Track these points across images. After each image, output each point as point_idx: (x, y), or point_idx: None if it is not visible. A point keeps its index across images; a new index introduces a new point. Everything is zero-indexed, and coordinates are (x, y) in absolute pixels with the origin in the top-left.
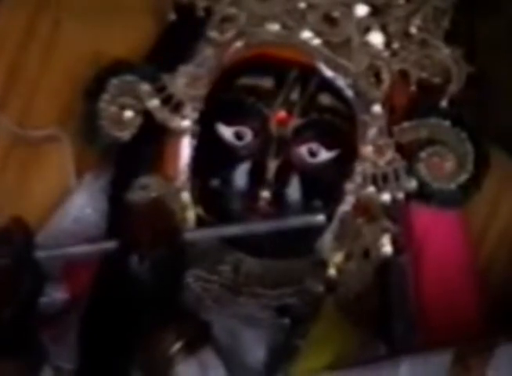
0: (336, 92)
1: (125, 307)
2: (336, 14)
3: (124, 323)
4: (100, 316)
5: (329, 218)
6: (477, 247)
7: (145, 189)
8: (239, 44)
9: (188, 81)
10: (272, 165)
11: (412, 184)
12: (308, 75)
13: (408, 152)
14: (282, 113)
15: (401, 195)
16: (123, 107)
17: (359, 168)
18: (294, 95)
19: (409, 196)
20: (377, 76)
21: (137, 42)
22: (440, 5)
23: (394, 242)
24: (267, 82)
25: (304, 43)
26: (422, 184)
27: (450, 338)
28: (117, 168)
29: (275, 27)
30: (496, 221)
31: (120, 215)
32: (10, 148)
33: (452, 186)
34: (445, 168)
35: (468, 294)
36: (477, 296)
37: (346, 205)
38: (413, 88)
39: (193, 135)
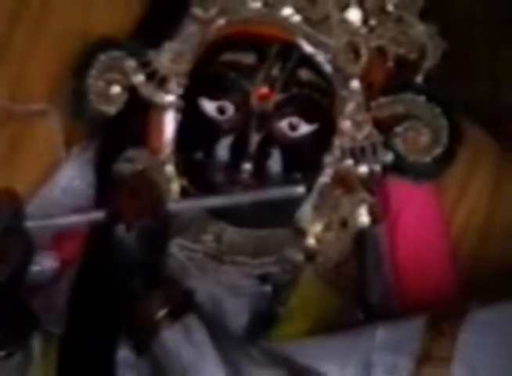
0: (315, 68)
1: (113, 275)
2: None
3: (112, 290)
4: (89, 284)
5: (309, 190)
6: (449, 219)
7: (131, 161)
8: (221, 21)
9: (172, 56)
10: (254, 139)
11: (389, 157)
12: (288, 51)
13: (385, 126)
14: (263, 89)
15: (378, 168)
16: (110, 83)
17: (338, 141)
18: (275, 71)
19: (386, 168)
20: (356, 52)
21: (124, 19)
22: None
23: (371, 213)
24: (249, 58)
25: (285, 20)
26: (398, 157)
27: (424, 304)
28: (104, 142)
29: (256, 4)
30: (468, 195)
31: (107, 187)
32: (2, 121)
33: (427, 159)
34: (420, 142)
35: (441, 263)
36: (449, 265)
37: (325, 177)
38: (390, 64)
39: (177, 110)
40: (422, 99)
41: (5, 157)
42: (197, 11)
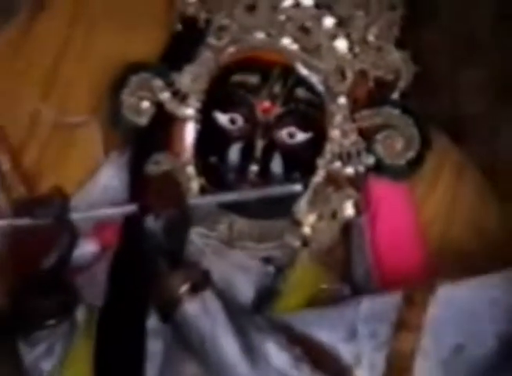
0: (310, 87)
1: (143, 257)
2: (309, 25)
3: (142, 269)
4: (124, 265)
5: (305, 187)
6: (420, 211)
7: (158, 164)
8: (232, 49)
9: (192, 77)
10: (259, 145)
11: (370, 160)
12: (287, 73)
13: (367, 135)
14: (266, 104)
15: (361, 169)
16: (141, 99)
17: (328, 147)
18: (276, 89)
19: (368, 169)
20: (342, 74)
21: (152, 47)
22: (391, 18)
23: (356, 206)
24: (254, 79)
25: (284, 48)
26: (378, 160)
27: (399, 281)
28: (136, 148)
29: (261, 35)
30: (435, 191)
31: (139, 184)
32: (53, 131)
33: (402, 161)
34: (396, 147)
35: (413, 247)
36: (419, 248)
37: (318, 177)
38: (371, 83)
39: (196, 121)
40: (397, 112)
41: (56, 160)
42: (212, 40)
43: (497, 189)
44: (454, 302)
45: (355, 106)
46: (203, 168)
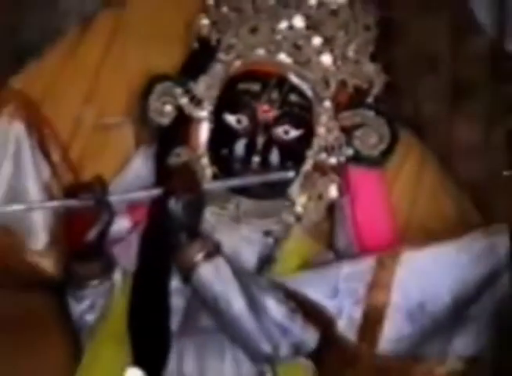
0: (301, 93)
1: (167, 231)
2: (300, 43)
3: (166, 241)
4: (152, 237)
5: (297, 174)
6: (390, 192)
7: (178, 156)
8: (238, 62)
9: (206, 86)
10: (260, 141)
11: (350, 152)
12: (282, 82)
13: (347, 131)
14: (266, 107)
15: (342, 159)
16: (164, 103)
17: (316, 141)
18: (274, 95)
19: (348, 159)
20: (327, 83)
21: (174, 62)
22: (366, 37)
23: (338, 189)
24: (256, 87)
25: (280, 62)
26: (356, 152)
27: (373, 248)
28: (160, 143)
29: (261, 51)
30: (401, 176)
31: (163, 173)
32: (93, 130)
33: (375, 153)
34: (370, 141)
35: (384, 221)
36: (390, 222)
37: (307, 165)
38: (350, 90)
39: (209, 121)
40: (372, 113)
41: (96, 153)
42: (222, 56)
43: (451, 174)
44: (417, 265)
45: (337, 108)
46: (214, 159)
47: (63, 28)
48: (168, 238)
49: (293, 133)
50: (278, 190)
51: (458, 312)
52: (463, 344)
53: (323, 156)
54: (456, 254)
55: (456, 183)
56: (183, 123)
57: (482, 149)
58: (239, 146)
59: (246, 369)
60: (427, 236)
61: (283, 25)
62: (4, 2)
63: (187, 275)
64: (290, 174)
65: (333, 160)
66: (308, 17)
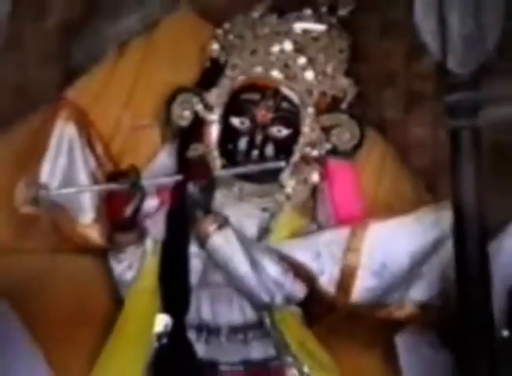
0: (290, 101)
1: (187, 209)
2: (289, 62)
3: (186, 216)
4: (175, 214)
5: (287, 163)
6: (358, 178)
7: (195, 150)
8: (241, 78)
9: (216, 95)
10: (259, 138)
11: (328, 147)
12: (276, 93)
13: (326, 130)
14: (263, 112)
15: (323, 152)
16: (184, 109)
17: (302, 138)
18: (269, 103)
19: (327, 152)
20: (311, 93)
21: (191, 77)
22: (341, 58)
23: (320, 175)
24: (255, 96)
25: (274, 77)
26: (333, 146)
27: (347, 222)
28: (180, 140)
29: (259, 69)
30: (368, 165)
31: (183, 163)
32: (129, 129)
33: (349, 147)
34: (344, 138)
35: (356, 201)
36: (359, 202)
37: (295, 157)
38: (329, 99)
39: (219, 123)
40: (345, 116)
41: (132, 148)
42: (229, 73)
43: (408, 164)
44: (381, 234)
45: (318, 112)
46: (223, 153)
47: (104, 52)
48: (188, 214)
49: (285, 132)
50: (272, 176)
51: (413, 270)
52: (417, 293)
53: (308, 149)
54: (411, 225)
55: (411, 171)
56: (198, 125)
57: (430, 145)
58: (242, 142)
59: (249, 314)
60: (389, 211)
61: (276, 48)
62: (57, 31)
63: (203, 242)
64: (282, 163)
65: (315, 153)
66: (295, 42)
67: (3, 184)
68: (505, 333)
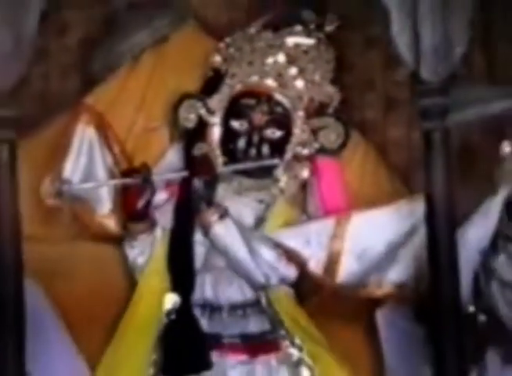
0: (283, 106)
1: (192, 201)
2: (282, 72)
3: (191, 207)
4: (181, 205)
5: (281, 161)
6: (344, 174)
7: (199, 149)
8: (239, 85)
9: (217, 101)
10: (255, 138)
11: (317, 146)
12: (270, 99)
13: (315, 132)
14: (259, 116)
15: (312, 151)
16: (189, 113)
17: (293, 139)
18: (264, 108)
19: (316, 151)
20: (301, 99)
21: (195, 85)
22: (327, 67)
23: (309, 172)
24: (251, 102)
25: (269, 85)
26: (321, 146)
27: (333, 212)
28: (187, 140)
29: (255, 78)
30: (352, 163)
31: (189, 160)
32: (141, 130)
33: (335, 146)
34: (331, 138)
35: (341, 193)
36: (344, 196)
37: (288, 155)
38: (316, 104)
39: (220, 125)
40: (332, 119)
41: (143, 147)
42: (228, 81)
43: (386, 161)
44: (362, 223)
45: (308, 116)
46: (224, 151)
47: (119, 64)
48: (193, 206)
49: (278, 133)
50: (268, 172)
51: (390, 254)
52: (394, 274)
53: (299, 148)
54: (389, 215)
55: (389, 167)
56: (202, 127)
57: (405, 144)
58: (241, 142)
59: (247, 293)
60: (370, 203)
61: (270, 60)
62: (77, 46)
63: (206, 231)
64: (276, 161)
65: (305, 152)
66: (287, 54)
67: (32, 179)
68: (471, 309)
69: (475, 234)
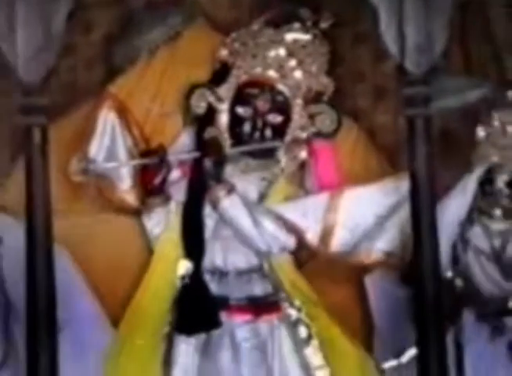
0: (283, 94)
1: (202, 178)
2: (283, 64)
3: (203, 184)
4: (193, 182)
5: (282, 143)
6: (337, 156)
7: (209, 133)
8: (244, 76)
9: (225, 90)
10: (259, 123)
11: (313, 130)
12: (272, 88)
13: (312, 117)
14: (262, 103)
15: (310, 134)
16: (200, 101)
17: (292, 124)
18: (267, 96)
19: (313, 135)
20: (299, 88)
21: (205, 75)
22: (323, 60)
23: (307, 153)
24: (256, 91)
25: (271, 76)
26: (318, 130)
27: (327, 188)
28: (198, 125)
29: (259, 69)
30: (346, 145)
31: (200, 142)
32: (157, 116)
33: (330, 130)
34: (326, 123)
35: (334, 173)
36: (337, 174)
37: (288, 138)
38: (313, 92)
39: (228, 111)
40: (327, 106)
41: (160, 131)
42: (235, 72)
43: (374, 144)
44: (353, 199)
45: (305, 103)
46: (231, 135)
47: (137, 57)
48: (203, 182)
49: (279, 118)
50: (270, 153)
51: (379, 226)
52: (382, 244)
53: (297, 132)
54: (377, 191)
55: (378, 149)
56: (212, 113)
57: (392, 128)
58: (246, 127)
59: (252, 260)
60: (360, 181)
61: (272, 53)
62: (101, 41)
63: (215, 205)
64: (277, 143)
65: (303, 135)
66: (287, 49)
67: (61, 159)
68: (449, 274)
69: (453, 208)
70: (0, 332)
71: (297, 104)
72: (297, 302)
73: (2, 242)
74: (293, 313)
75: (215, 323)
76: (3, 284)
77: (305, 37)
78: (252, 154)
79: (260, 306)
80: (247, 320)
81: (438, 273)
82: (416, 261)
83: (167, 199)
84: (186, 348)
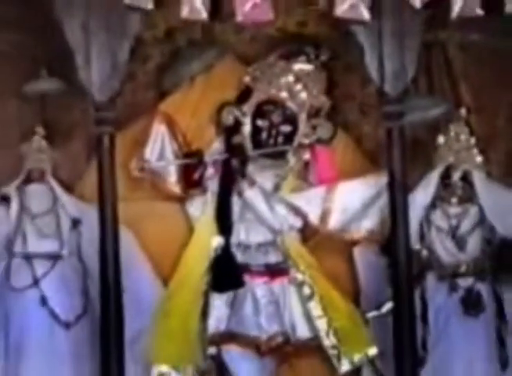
0: (292, 110)
1: (231, 174)
2: (291, 87)
3: (232, 178)
4: (224, 176)
5: (291, 147)
6: (332, 157)
7: (235, 139)
8: (263, 96)
9: (248, 107)
10: (273, 132)
11: (315, 137)
12: (284, 106)
13: (313, 127)
14: (276, 117)
15: (312, 141)
16: (228, 115)
17: (299, 132)
18: (279, 112)
19: (314, 141)
20: (304, 105)
21: (233, 96)
22: (322, 85)
23: (310, 155)
24: (271, 107)
25: (283, 96)
26: (318, 137)
27: (326, 183)
28: (226, 133)
29: (273, 91)
30: (338, 149)
31: (229, 147)
32: (196, 128)
33: (327, 138)
34: (325, 132)
35: (331, 171)
36: (334, 171)
37: (295, 144)
38: (314, 109)
39: (250, 124)
40: (322, 120)
41: (198, 139)
42: (255, 93)
43: (361, 148)
44: (344, 190)
45: (308, 117)
46: (252, 141)
47: (182, 82)
48: (231, 178)
49: (288, 129)
50: (282, 155)
51: (364, 210)
52: (367, 223)
53: (302, 139)
54: (363, 185)
55: (363, 152)
56: (238, 124)
57: (374, 137)
58: (264, 135)
59: (268, 236)
60: (349, 177)
61: (284, 79)
62: (154, 70)
63: (240, 194)
64: (287, 147)
65: (307, 141)
66: (295, 76)
67: (124, 159)
68: (417, 246)
69: (421, 197)
70: (80, 291)
71: (302, 118)
72: (302, 268)
73: (81, 223)
74: (299, 276)
75: (240, 284)
76: (82, 256)
77: (309, 67)
78: (268, 156)
79: (274, 271)
80: (264, 282)
81: (409, 246)
82: (392, 237)
83: (204, 190)
84: (219, 303)
